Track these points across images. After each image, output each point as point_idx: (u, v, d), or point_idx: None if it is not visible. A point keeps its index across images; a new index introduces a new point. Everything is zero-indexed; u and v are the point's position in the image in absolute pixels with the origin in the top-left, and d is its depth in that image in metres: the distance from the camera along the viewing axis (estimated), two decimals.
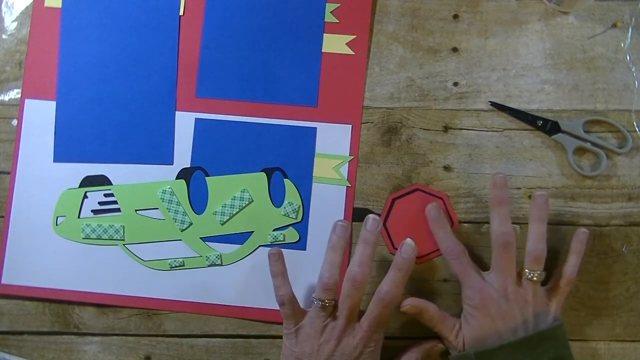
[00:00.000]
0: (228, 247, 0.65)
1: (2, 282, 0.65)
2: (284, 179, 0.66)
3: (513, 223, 0.64)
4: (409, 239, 0.58)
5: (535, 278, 0.57)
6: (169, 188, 0.66)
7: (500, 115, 0.66)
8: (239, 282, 0.65)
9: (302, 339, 0.57)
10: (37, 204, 0.66)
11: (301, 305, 0.60)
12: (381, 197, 0.66)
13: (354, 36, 0.67)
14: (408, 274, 0.58)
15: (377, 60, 0.67)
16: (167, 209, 0.66)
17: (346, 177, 0.66)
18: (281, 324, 0.64)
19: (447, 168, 0.66)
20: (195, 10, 0.68)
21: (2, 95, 0.68)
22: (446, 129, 0.66)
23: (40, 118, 0.67)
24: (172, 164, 0.66)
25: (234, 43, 0.68)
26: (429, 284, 0.64)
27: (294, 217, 0.65)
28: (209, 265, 0.65)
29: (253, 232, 0.65)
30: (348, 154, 0.66)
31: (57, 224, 0.66)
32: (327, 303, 0.57)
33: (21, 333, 0.66)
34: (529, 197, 0.65)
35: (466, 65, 0.67)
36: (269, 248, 0.65)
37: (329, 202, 0.65)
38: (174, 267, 0.65)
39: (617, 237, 0.65)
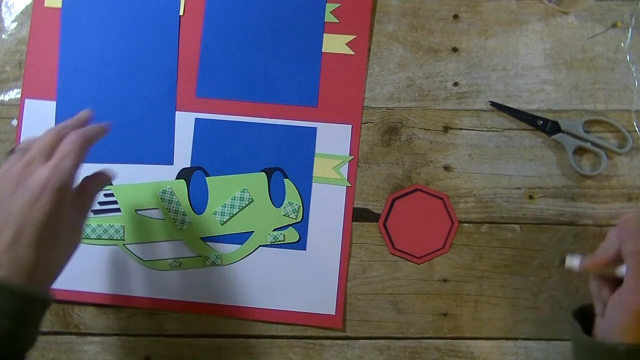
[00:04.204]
0: (228, 247, 0.65)
1: None
2: (284, 179, 0.66)
3: (512, 223, 0.65)
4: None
5: None
6: (169, 188, 0.66)
7: (500, 115, 0.66)
8: (239, 282, 0.65)
9: None
10: None
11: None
12: (381, 197, 0.66)
13: (354, 36, 0.67)
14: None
15: (377, 60, 0.67)
16: (167, 209, 0.66)
17: (346, 177, 0.66)
18: (281, 324, 0.64)
19: (447, 168, 0.66)
20: (195, 10, 0.68)
21: (2, 95, 0.68)
22: (446, 129, 0.66)
23: (40, 118, 0.67)
24: (172, 164, 0.66)
25: (234, 43, 0.68)
26: (429, 284, 0.64)
27: (294, 217, 0.65)
28: (209, 265, 0.65)
29: (253, 232, 0.65)
30: (348, 154, 0.66)
31: None
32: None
33: None
34: (529, 197, 0.65)
35: (466, 65, 0.67)
36: (269, 248, 0.65)
37: (329, 202, 0.65)
38: (173, 267, 0.65)
39: None
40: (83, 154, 0.51)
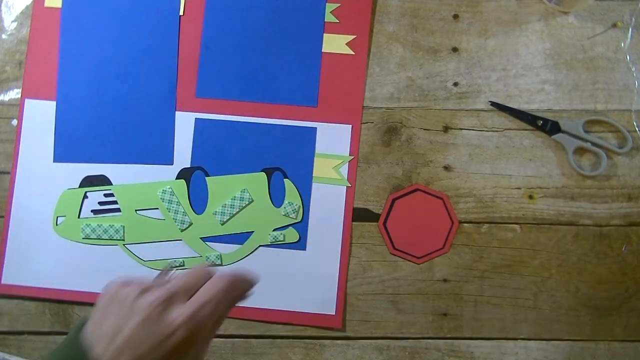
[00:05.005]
0: (228, 247, 0.65)
1: (2, 282, 0.65)
2: (284, 179, 0.66)
3: (513, 223, 0.65)
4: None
5: None
6: (169, 188, 0.66)
7: (500, 115, 0.66)
8: None
9: None
10: (37, 204, 0.66)
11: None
12: (381, 197, 0.66)
13: (354, 36, 0.67)
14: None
15: (377, 60, 0.67)
16: (167, 209, 0.66)
17: (346, 177, 0.66)
18: (281, 324, 0.64)
19: (447, 168, 0.66)
20: (195, 10, 0.68)
21: (2, 95, 0.68)
22: (446, 129, 0.66)
23: (40, 118, 0.67)
24: (172, 164, 0.66)
25: (234, 43, 0.68)
26: (429, 284, 0.64)
27: (294, 217, 0.65)
28: (209, 266, 0.65)
29: (253, 232, 0.65)
30: (348, 154, 0.66)
31: (57, 224, 0.66)
32: None
33: (21, 333, 0.66)
34: (529, 197, 0.65)
35: (466, 65, 0.67)
36: (268, 248, 0.65)
37: (329, 202, 0.65)
38: (174, 268, 0.65)
39: (617, 237, 0.65)
40: (228, 306, 0.45)
